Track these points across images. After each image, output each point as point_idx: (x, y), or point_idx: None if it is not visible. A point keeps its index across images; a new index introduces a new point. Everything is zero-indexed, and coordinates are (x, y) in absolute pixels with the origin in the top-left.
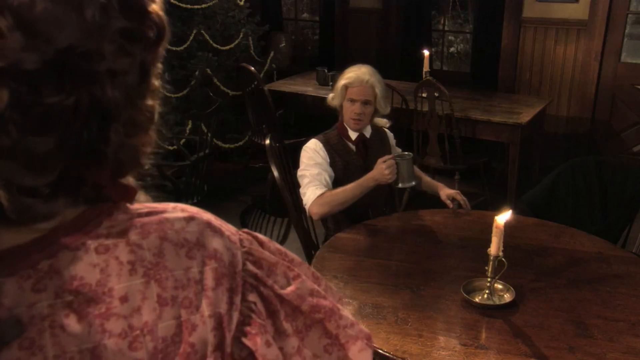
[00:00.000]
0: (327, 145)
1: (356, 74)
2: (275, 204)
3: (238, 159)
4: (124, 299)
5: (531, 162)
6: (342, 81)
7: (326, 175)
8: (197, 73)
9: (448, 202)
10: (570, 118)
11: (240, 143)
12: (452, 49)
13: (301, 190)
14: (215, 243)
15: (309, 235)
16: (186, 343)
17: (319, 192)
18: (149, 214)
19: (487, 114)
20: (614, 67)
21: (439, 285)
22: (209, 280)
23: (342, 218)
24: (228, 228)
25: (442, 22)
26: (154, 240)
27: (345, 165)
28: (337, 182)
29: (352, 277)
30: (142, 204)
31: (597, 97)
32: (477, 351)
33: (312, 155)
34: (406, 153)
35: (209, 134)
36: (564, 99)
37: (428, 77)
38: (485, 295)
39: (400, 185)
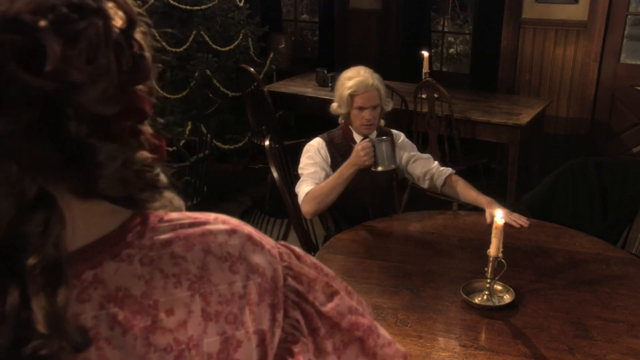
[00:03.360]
0: (330, 145)
1: (359, 80)
2: (275, 205)
3: (238, 160)
4: (169, 312)
5: (531, 163)
6: (346, 91)
7: (323, 174)
8: (196, 74)
9: (489, 219)
10: (569, 119)
11: (240, 144)
12: (451, 50)
13: (295, 190)
14: (257, 257)
15: (309, 236)
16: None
17: (307, 189)
18: (191, 225)
19: (487, 115)
20: (614, 68)
21: (439, 286)
22: (253, 295)
23: (342, 219)
24: (268, 241)
25: (441, 23)
26: (198, 253)
27: None
28: None
29: (351, 278)
30: (183, 213)
31: (596, 98)
32: (477, 352)
33: (312, 154)
34: (384, 137)
35: (209, 135)
36: (563, 100)
37: (428, 78)
38: (485, 297)
39: (380, 168)
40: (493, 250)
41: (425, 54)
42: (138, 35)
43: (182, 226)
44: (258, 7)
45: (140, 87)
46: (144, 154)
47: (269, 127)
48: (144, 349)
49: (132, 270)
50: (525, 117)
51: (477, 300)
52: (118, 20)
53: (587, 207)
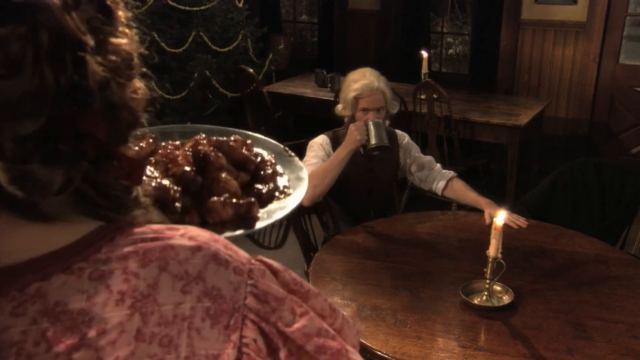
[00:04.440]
0: (335, 142)
1: (364, 82)
2: None
3: None
4: (101, 331)
5: (530, 163)
6: (352, 93)
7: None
8: (195, 75)
9: (488, 220)
10: (568, 119)
11: None
12: (450, 51)
13: None
14: (217, 278)
15: (308, 237)
16: None
17: None
18: (154, 239)
19: (486, 115)
20: (613, 68)
21: (438, 287)
22: (197, 319)
23: (342, 219)
24: (238, 258)
25: (440, 23)
26: (152, 270)
27: (350, 165)
28: (341, 182)
29: (351, 279)
30: (150, 226)
31: (595, 98)
32: (476, 353)
33: (316, 149)
34: (377, 120)
35: None
36: (562, 101)
37: (427, 79)
38: (484, 297)
39: (373, 142)
40: (492, 250)
41: (425, 54)
42: (93, 63)
43: (144, 240)
44: (257, 7)
45: (94, 113)
46: (110, 178)
47: (268, 128)
48: None
49: (78, 284)
50: (524, 117)
51: (476, 300)
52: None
53: (586, 207)
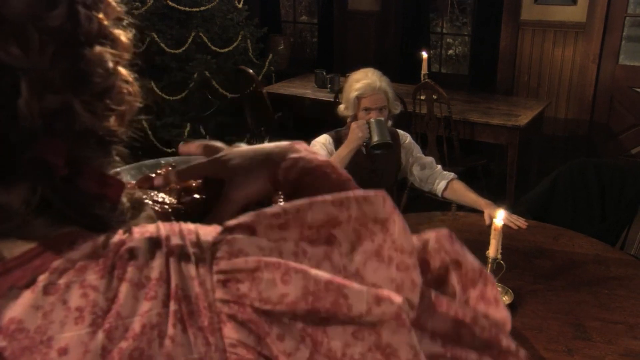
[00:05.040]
0: (337, 142)
1: (366, 82)
2: None
3: None
4: (62, 351)
5: (530, 164)
6: (354, 93)
7: None
8: (195, 75)
9: (488, 220)
10: (568, 120)
11: None
12: (450, 52)
13: None
14: (179, 277)
15: None
16: None
17: None
18: (117, 244)
19: (486, 116)
20: (612, 69)
21: None
22: (169, 325)
23: None
24: (199, 242)
25: (440, 24)
26: (112, 281)
27: (353, 165)
28: None
29: None
30: (117, 230)
31: (595, 99)
32: None
33: (318, 148)
34: (379, 118)
35: (208, 137)
36: (562, 101)
37: (426, 80)
38: None
39: (376, 140)
40: (492, 251)
41: (424, 55)
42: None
43: (106, 246)
44: (257, 8)
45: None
46: (88, 196)
47: (267, 129)
48: None
49: (32, 299)
50: (524, 118)
51: None
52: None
53: (586, 208)
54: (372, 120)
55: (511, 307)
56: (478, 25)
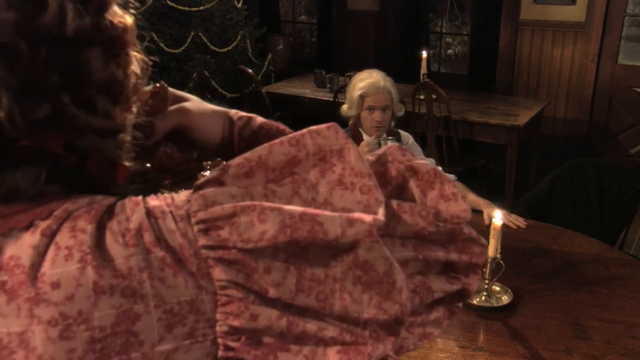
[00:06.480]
0: None
1: (370, 81)
2: None
3: None
4: (55, 285)
5: (529, 164)
6: (357, 92)
7: None
8: (194, 75)
9: (487, 220)
10: (567, 120)
11: None
12: (449, 51)
13: None
14: (158, 231)
15: None
16: (128, 333)
17: None
18: (108, 201)
19: (485, 116)
20: (611, 69)
21: None
22: (157, 270)
23: None
24: (174, 202)
25: (439, 24)
26: (100, 228)
27: None
28: None
29: None
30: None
31: (594, 99)
32: (475, 353)
33: None
34: (390, 137)
35: None
36: (561, 101)
37: (426, 79)
38: (483, 298)
39: None
40: (491, 251)
41: (424, 54)
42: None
43: (96, 201)
44: (256, 8)
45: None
46: (98, 180)
47: None
48: (27, 320)
49: (30, 240)
50: (523, 118)
51: (475, 301)
52: None
53: (585, 208)
54: (381, 140)
55: (510, 307)
56: (477, 25)
